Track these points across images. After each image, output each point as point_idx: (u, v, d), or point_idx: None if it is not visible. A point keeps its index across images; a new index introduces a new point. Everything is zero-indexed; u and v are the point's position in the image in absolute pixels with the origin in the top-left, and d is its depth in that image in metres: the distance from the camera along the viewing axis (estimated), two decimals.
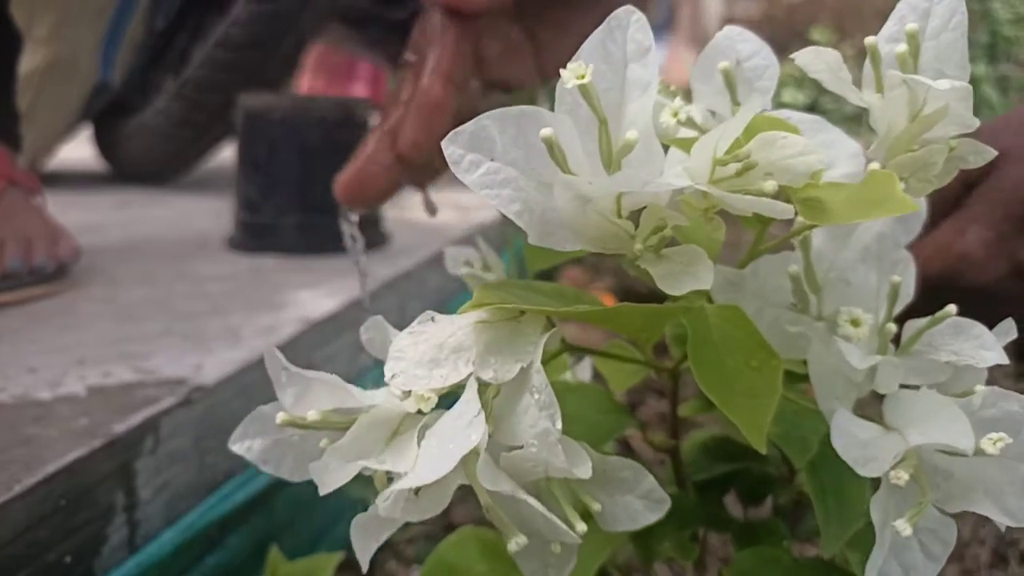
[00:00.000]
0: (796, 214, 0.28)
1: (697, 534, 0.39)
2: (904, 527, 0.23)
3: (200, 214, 1.15)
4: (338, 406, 0.25)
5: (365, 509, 0.69)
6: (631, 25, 0.24)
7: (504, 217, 0.25)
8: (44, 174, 1.33)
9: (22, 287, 0.68)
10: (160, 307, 0.68)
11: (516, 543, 0.24)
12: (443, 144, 0.23)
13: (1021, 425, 0.24)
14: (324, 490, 0.24)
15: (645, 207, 0.24)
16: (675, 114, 0.26)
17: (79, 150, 1.57)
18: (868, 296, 0.28)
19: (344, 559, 0.68)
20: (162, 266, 0.83)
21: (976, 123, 0.24)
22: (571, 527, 0.24)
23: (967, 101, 0.24)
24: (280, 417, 0.25)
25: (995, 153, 0.26)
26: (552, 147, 0.22)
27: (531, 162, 0.23)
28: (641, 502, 0.26)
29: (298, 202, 0.88)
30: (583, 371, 0.42)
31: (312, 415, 0.25)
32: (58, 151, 1.42)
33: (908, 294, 0.28)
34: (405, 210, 1.20)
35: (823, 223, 0.23)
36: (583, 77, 0.23)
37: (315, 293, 0.73)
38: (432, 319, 0.26)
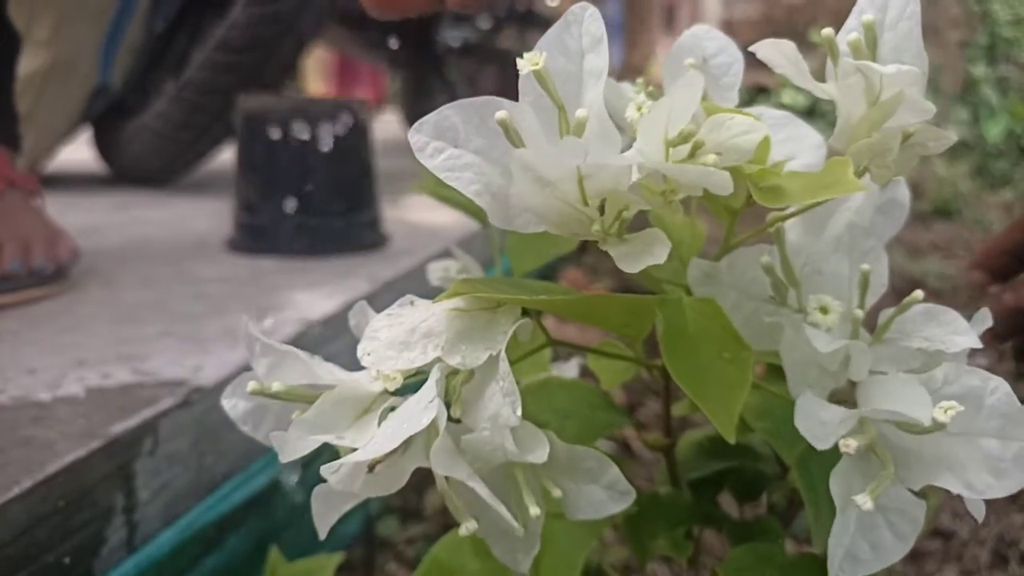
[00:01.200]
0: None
1: (692, 532, 0.39)
2: (864, 501, 0.24)
3: (199, 216, 1.16)
4: (308, 380, 0.26)
5: (364, 508, 0.69)
6: (586, 19, 0.25)
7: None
8: (44, 176, 1.34)
9: (21, 289, 0.68)
10: (159, 309, 0.68)
11: (466, 528, 0.25)
12: (409, 133, 0.24)
13: (982, 400, 0.24)
14: (284, 459, 0.25)
15: (607, 195, 0.25)
16: (639, 108, 0.27)
17: (79, 152, 1.57)
18: (841, 285, 0.28)
19: (344, 560, 0.68)
20: (161, 268, 0.84)
21: (932, 109, 0.25)
22: (528, 511, 0.25)
23: (919, 86, 0.25)
24: (251, 385, 0.26)
25: (955, 138, 0.26)
26: (507, 129, 0.23)
27: (493, 150, 0.24)
28: (605, 492, 0.27)
29: (297, 204, 0.89)
30: (570, 370, 0.42)
31: (276, 386, 0.25)
32: (58, 153, 1.42)
33: (881, 283, 0.28)
34: (405, 211, 1.20)
35: (777, 205, 0.24)
36: (538, 64, 0.24)
37: (314, 294, 0.73)
38: (411, 303, 0.27)
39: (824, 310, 0.27)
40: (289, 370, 0.27)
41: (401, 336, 0.26)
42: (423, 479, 0.83)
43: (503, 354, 0.25)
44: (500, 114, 0.23)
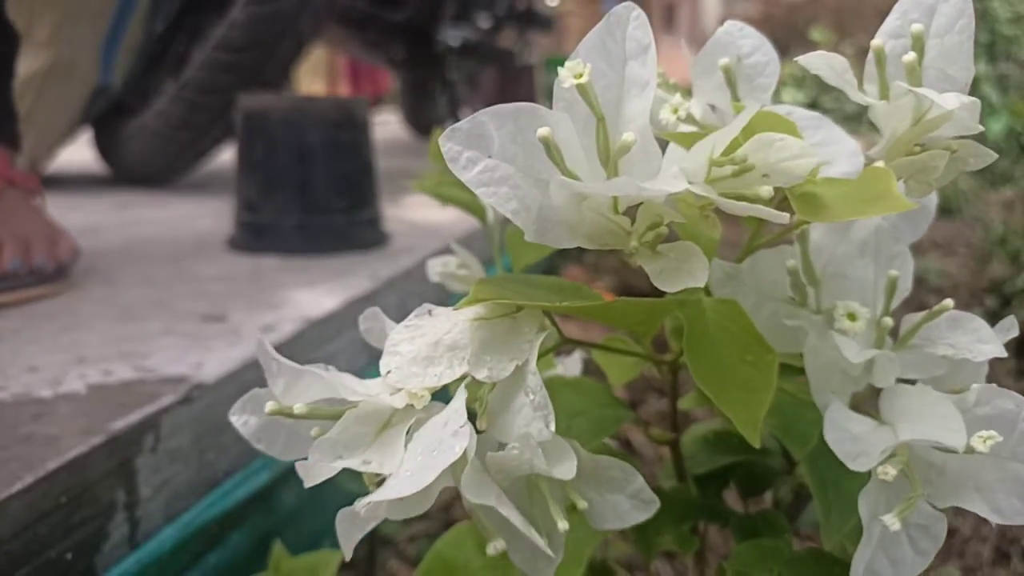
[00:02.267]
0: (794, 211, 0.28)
1: (697, 527, 0.39)
2: (893, 522, 0.23)
3: (200, 216, 1.16)
4: (327, 395, 0.25)
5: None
6: (631, 23, 0.24)
7: (501, 219, 0.25)
8: (44, 176, 1.33)
9: (22, 287, 0.68)
10: (160, 307, 0.68)
11: (494, 547, 0.24)
12: (440, 140, 0.23)
13: (1015, 423, 0.24)
14: (309, 483, 0.24)
15: (641, 204, 0.24)
16: (675, 110, 0.26)
17: (79, 153, 1.57)
18: (866, 290, 0.28)
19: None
20: (162, 267, 0.83)
21: (979, 128, 0.24)
22: (551, 522, 0.25)
23: (974, 112, 0.24)
24: (269, 406, 0.25)
25: (995, 155, 0.26)
26: (549, 146, 0.22)
27: (528, 159, 0.23)
28: (629, 501, 0.27)
29: (298, 202, 0.88)
30: (573, 364, 0.42)
31: (299, 409, 0.25)
32: (58, 154, 1.42)
33: (906, 288, 0.28)
34: (405, 210, 1.20)
35: (819, 220, 0.23)
36: (581, 76, 0.23)
37: (314, 292, 0.73)
38: (429, 312, 0.26)
39: (852, 317, 0.27)
40: (307, 388, 0.27)
41: (424, 351, 0.25)
42: None
43: (533, 367, 0.25)
44: (542, 132, 0.22)
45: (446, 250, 0.46)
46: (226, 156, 1.27)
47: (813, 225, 0.29)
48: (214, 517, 0.49)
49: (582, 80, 0.23)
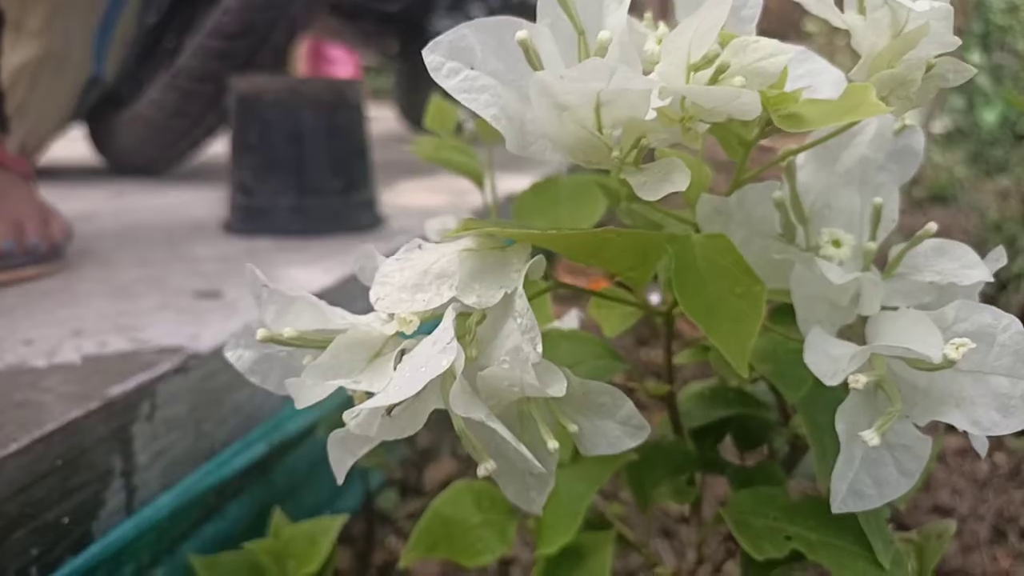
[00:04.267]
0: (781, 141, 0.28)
1: (694, 479, 0.39)
2: (872, 437, 0.23)
3: (195, 203, 1.15)
4: (318, 326, 0.25)
5: (363, 479, 0.69)
6: None
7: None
8: (37, 169, 1.33)
9: (16, 267, 0.68)
10: (155, 285, 0.68)
11: (485, 468, 0.24)
12: (424, 52, 0.23)
13: (993, 338, 0.24)
14: (300, 405, 0.24)
15: (625, 123, 0.24)
16: (659, 41, 0.26)
17: (73, 148, 1.57)
18: (852, 220, 0.28)
19: (345, 534, 0.68)
20: (157, 248, 0.83)
21: (957, 41, 0.24)
22: (542, 449, 0.25)
23: (947, 21, 0.25)
24: (260, 333, 0.25)
25: (975, 70, 0.26)
26: (528, 50, 0.23)
27: (511, 73, 0.24)
28: (620, 428, 0.27)
29: (292, 184, 0.88)
30: (570, 321, 0.42)
31: (288, 332, 0.25)
32: (50, 145, 1.42)
33: (891, 218, 0.28)
34: (400, 196, 1.20)
35: (799, 129, 0.23)
36: None
37: (311, 269, 0.73)
38: (419, 246, 0.26)
39: (836, 243, 0.27)
40: (298, 316, 0.27)
41: (413, 279, 0.25)
42: (423, 456, 0.82)
43: (520, 291, 0.25)
44: (521, 34, 0.23)
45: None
46: (219, 149, 1.27)
47: (800, 162, 0.29)
48: (211, 486, 0.49)
49: None
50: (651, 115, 0.22)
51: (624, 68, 0.21)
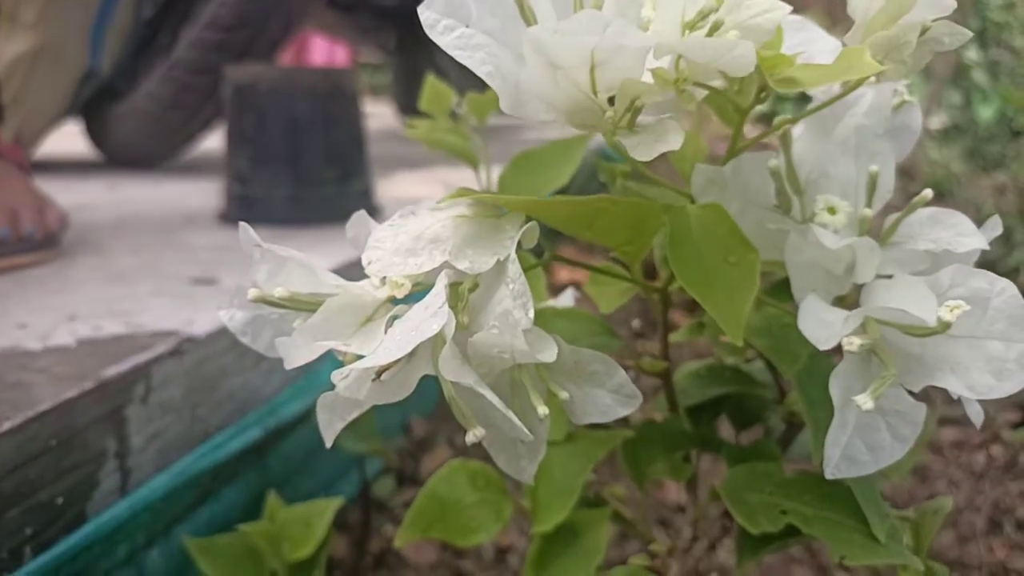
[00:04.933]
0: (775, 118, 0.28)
1: (690, 457, 0.39)
2: (865, 401, 0.23)
3: (191, 194, 1.15)
4: (310, 288, 0.25)
5: (360, 467, 0.68)
6: None
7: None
8: (33, 162, 1.33)
9: (10, 255, 0.68)
10: (150, 272, 0.68)
11: (474, 435, 0.24)
12: (419, 10, 0.23)
13: (988, 302, 0.24)
14: (289, 365, 0.24)
15: (620, 84, 0.24)
16: (654, 7, 0.26)
17: (70, 143, 1.56)
18: (847, 188, 0.28)
19: (341, 521, 0.68)
20: (152, 238, 0.83)
21: (952, 4, 0.24)
22: (532, 417, 0.25)
23: None
24: (251, 293, 0.25)
25: (971, 33, 0.26)
26: (522, 7, 0.22)
27: (506, 31, 0.24)
28: (611, 396, 0.26)
29: (288, 174, 0.88)
30: (565, 300, 0.42)
31: (280, 292, 0.25)
32: (46, 138, 1.41)
33: (887, 188, 0.28)
34: (395, 188, 1.20)
35: (793, 89, 0.23)
36: None
37: (308, 256, 0.72)
38: (413, 212, 0.26)
39: (831, 210, 0.27)
40: (290, 277, 0.27)
41: (407, 243, 0.25)
42: (420, 446, 0.82)
43: (513, 256, 0.25)
44: None
45: None
46: (217, 141, 1.26)
47: (796, 134, 0.29)
48: (206, 468, 0.49)
49: None
50: (646, 76, 0.22)
51: (620, 21, 0.21)
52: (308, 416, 0.59)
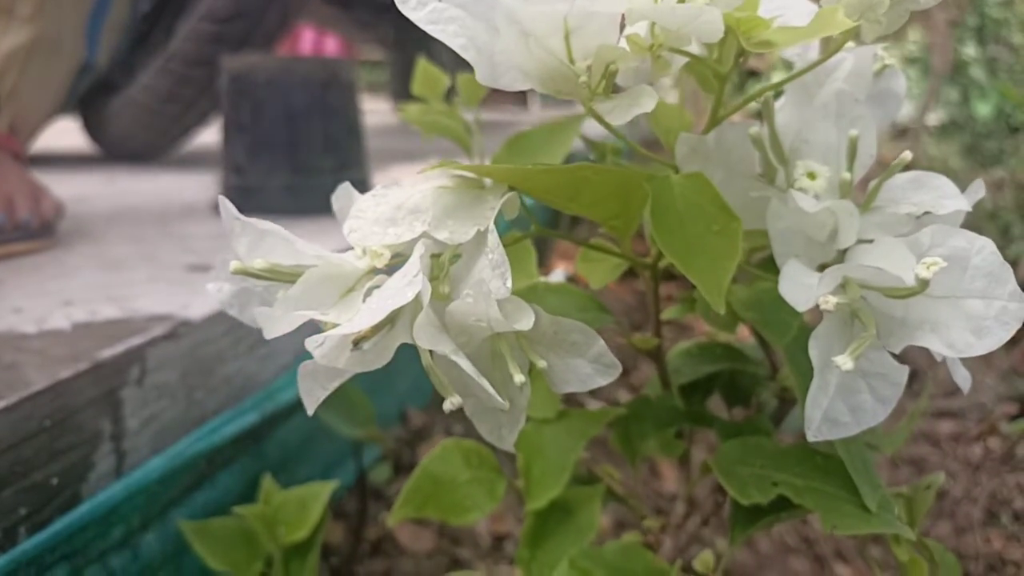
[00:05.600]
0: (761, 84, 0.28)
1: (682, 433, 0.39)
2: (845, 361, 0.23)
3: (188, 187, 1.15)
4: (291, 260, 0.26)
5: (356, 455, 0.68)
6: None
7: None
8: (30, 156, 1.32)
9: (6, 242, 0.68)
10: (147, 259, 0.68)
11: (451, 403, 0.24)
12: None
13: (967, 260, 0.24)
14: (268, 335, 0.24)
15: (596, 50, 0.24)
16: None
17: (67, 139, 1.56)
18: (828, 153, 0.28)
19: (338, 509, 0.68)
20: (149, 227, 0.83)
21: None
22: (512, 386, 0.25)
23: None
24: (232, 265, 0.25)
25: None
26: None
27: (479, 3, 0.24)
28: (591, 366, 0.26)
29: (285, 163, 0.88)
30: (556, 278, 0.42)
31: (259, 263, 0.25)
32: (42, 132, 1.41)
33: (869, 153, 0.28)
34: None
35: (766, 50, 0.23)
36: None
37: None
38: (396, 184, 0.26)
39: (811, 175, 0.27)
40: (270, 248, 0.27)
41: (387, 213, 0.26)
42: (417, 436, 0.82)
43: (492, 227, 0.25)
44: None
45: None
46: (214, 135, 1.26)
47: (779, 105, 0.29)
48: (202, 452, 0.49)
49: None
50: (622, 43, 0.22)
51: None
52: (295, 408, 0.59)
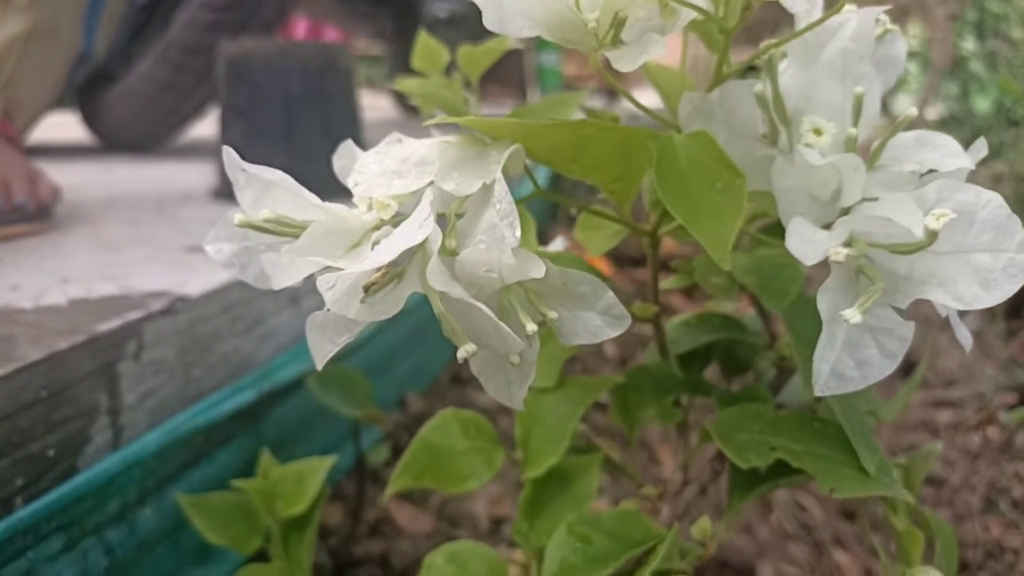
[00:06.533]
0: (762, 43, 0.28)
1: (680, 401, 0.39)
2: (853, 315, 0.23)
3: (185, 175, 1.15)
4: (297, 213, 0.25)
5: (355, 438, 0.68)
6: None
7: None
8: (27, 147, 1.32)
9: (3, 224, 0.68)
10: (143, 241, 0.68)
11: (466, 351, 0.24)
12: None
13: (974, 215, 0.24)
14: (277, 285, 0.24)
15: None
16: None
17: (65, 130, 1.56)
18: (833, 111, 0.27)
19: (337, 491, 0.68)
20: (146, 212, 0.83)
21: None
22: (523, 331, 0.24)
23: None
24: (237, 217, 0.25)
25: None
26: None
27: None
28: (601, 318, 0.26)
29: (282, 149, 0.88)
30: (555, 246, 0.42)
31: (265, 214, 0.24)
32: (40, 122, 1.41)
33: (873, 112, 0.27)
34: None
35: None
36: None
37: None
38: (399, 140, 0.26)
39: (817, 132, 0.27)
40: (276, 200, 0.26)
41: (393, 166, 0.25)
42: (416, 421, 0.82)
43: (499, 177, 0.25)
44: None
45: None
46: (211, 125, 1.26)
47: (783, 68, 0.29)
48: (199, 427, 0.49)
49: None
50: None
51: None
52: (302, 381, 0.59)
